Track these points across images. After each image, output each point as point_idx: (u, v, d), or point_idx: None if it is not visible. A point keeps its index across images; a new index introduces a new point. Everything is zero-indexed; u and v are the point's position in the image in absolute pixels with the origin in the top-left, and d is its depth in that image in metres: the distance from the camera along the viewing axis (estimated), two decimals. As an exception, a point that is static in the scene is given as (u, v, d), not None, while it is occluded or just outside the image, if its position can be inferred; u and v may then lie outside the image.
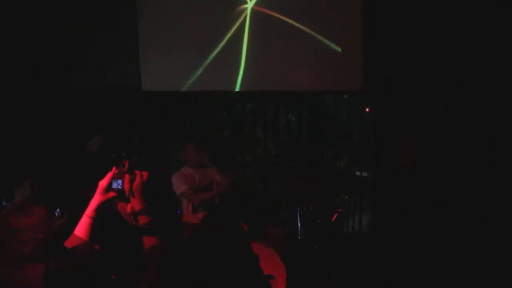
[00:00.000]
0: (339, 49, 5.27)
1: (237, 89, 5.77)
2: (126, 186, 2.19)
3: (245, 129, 6.25)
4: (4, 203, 4.19)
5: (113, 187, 2.20)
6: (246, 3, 5.55)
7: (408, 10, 5.03)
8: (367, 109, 5.73)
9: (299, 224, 4.88)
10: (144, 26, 5.92)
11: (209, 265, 1.76)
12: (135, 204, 2.20)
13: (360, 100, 5.74)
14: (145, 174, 2.22)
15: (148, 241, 2.30)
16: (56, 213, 3.93)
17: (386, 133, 5.38)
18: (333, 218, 4.87)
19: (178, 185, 4.74)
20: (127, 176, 2.20)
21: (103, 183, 2.22)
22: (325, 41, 5.29)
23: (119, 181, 2.20)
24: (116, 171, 2.22)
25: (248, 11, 5.55)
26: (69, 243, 2.27)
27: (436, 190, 4.10)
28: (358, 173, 5.82)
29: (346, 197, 5.71)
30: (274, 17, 5.44)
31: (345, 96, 5.82)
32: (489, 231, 4.21)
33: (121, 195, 2.21)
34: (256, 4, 5.51)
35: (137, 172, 2.21)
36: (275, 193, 6.08)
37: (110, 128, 5.70)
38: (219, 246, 1.80)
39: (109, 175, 2.22)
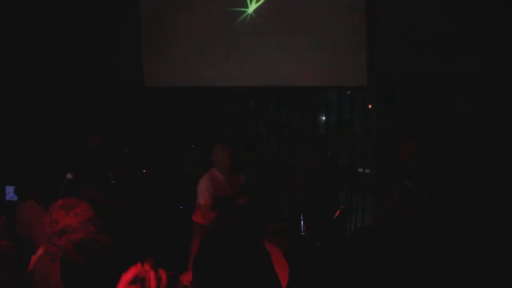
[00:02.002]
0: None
1: (240, 85, 5.76)
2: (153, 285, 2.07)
3: (248, 125, 6.25)
4: (11, 198, 4.22)
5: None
6: (244, 5, 5.54)
7: (412, 7, 5.01)
8: (370, 106, 5.72)
9: (301, 220, 4.89)
10: (147, 23, 5.93)
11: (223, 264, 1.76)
12: None
13: (363, 96, 5.73)
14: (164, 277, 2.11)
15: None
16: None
17: (388, 129, 5.38)
18: (336, 215, 4.87)
19: (199, 195, 4.23)
20: (152, 274, 2.08)
21: (126, 277, 2.10)
22: (329, 37, 5.28)
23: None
24: (141, 268, 2.09)
25: (250, 10, 5.53)
26: None
27: (438, 187, 4.11)
28: (360, 169, 5.81)
29: (349, 194, 5.70)
30: (277, 14, 5.42)
31: (348, 92, 5.81)
32: (491, 230, 4.22)
33: None
34: (257, 3, 5.49)
35: (161, 271, 2.09)
36: (278, 189, 6.08)
37: (113, 123, 5.72)
38: (232, 247, 1.81)
39: (133, 270, 2.09)
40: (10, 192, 4.49)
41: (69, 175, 3.56)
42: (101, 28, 5.93)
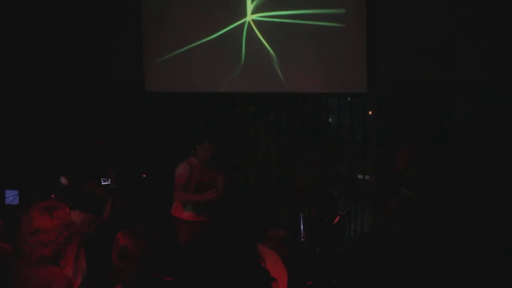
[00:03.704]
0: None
1: (240, 91, 5.78)
2: None
3: (247, 131, 6.26)
4: (11, 202, 4.22)
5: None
6: (245, 11, 5.57)
7: (412, 15, 5.03)
8: (370, 112, 5.74)
9: (301, 226, 4.88)
10: (148, 28, 5.95)
11: (213, 267, 1.76)
12: None
13: (363, 103, 5.74)
14: None
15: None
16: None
17: (388, 136, 5.39)
18: (335, 221, 4.87)
19: (177, 175, 4.75)
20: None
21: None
22: (329, 44, 5.30)
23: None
24: None
25: (249, 18, 5.56)
26: None
27: (436, 194, 4.11)
28: (360, 176, 5.82)
29: (348, 200, 5.70)
30: (276, 22, 5.45)
31: (348, 99, 5.83)
32: (489, 237, 4.23)
33: None
34: (257, 9, 5.52)
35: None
36: (277, 196, 6.08)
37: (113, 127, 5.73)
38: (224, 250, 1.81)
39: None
40: (9, 196, 4.49)
41: (63, 181, 3.54)
42: (102, 32, 5.96)
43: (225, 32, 5.62)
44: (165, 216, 5.47)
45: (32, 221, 2.48)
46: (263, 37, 5.51)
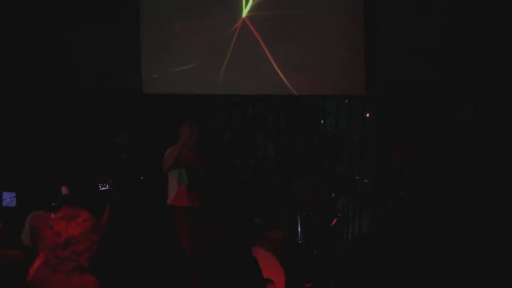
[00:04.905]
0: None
1: (238, 93, 5.77)
2: None
3: (246, 133, 6.26)
4: (8, 204, 4.22)
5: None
6: (241, 12, 5.57)
7: (410, 17, 5.02)
8: (368, 114, 5.73)
9: (299, 228, 4.89)
10: (146, 31, 5.95)
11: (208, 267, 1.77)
12: None
13: (361, 105, 5.73)
14: None
15: None
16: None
17: (386, 138, 5.38)
18: (333, 223, 4.87)
19: (166, 156, 4.93)
20: None
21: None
22: (327, 46, 5.29)
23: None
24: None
25: (246, 15, 5.56)
26: None
27: (434, 195, 4.11)
28: (358, 178, 5.82)
29: (346, 202, 5.70)
30: (274, 23, 5.44)
31: (346, 101, 5.82)
32: (488, 238, 4.21)
33: None
34: (254, 10, 5.51)
35: None
36: (276, 197, 6.08)
37: (113, 129, 5.74)
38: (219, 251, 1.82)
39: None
40: (7, 198, 4.50)
41: (65, 190, 3.52)
42: (101, 34, 5.97)
43: (222, 34, 5.62)
44: (164, 217, 5.49)
45: (60, 233, 2.45)
46: (261, 38, 5.50)
